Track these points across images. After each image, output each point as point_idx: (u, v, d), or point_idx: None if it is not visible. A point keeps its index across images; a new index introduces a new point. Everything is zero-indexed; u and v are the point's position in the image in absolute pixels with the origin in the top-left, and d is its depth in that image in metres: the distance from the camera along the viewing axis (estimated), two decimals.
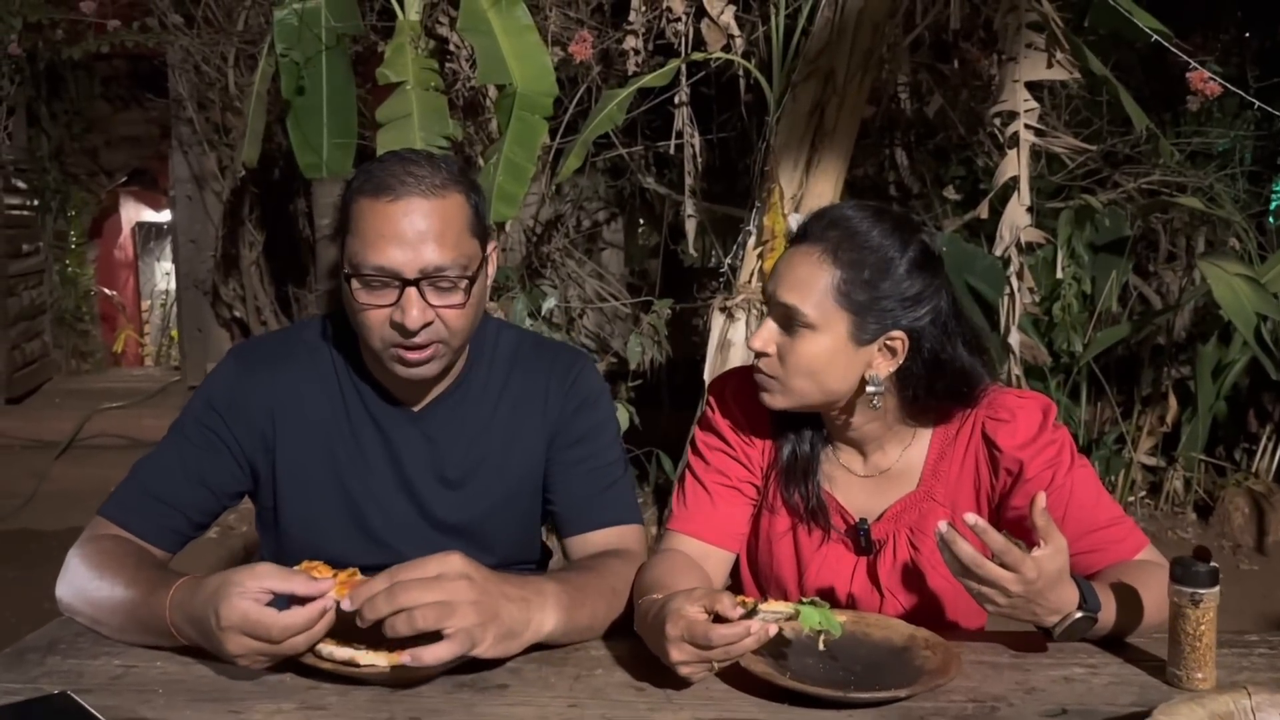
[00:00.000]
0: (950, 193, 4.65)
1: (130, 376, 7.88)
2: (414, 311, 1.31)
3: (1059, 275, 4.45)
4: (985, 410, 1.38)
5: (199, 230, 6.35)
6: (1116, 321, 4.90)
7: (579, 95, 4.38)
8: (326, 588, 1.13)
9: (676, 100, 4.28)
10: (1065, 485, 1.35)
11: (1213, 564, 1.12)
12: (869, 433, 1.40)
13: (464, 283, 1.35)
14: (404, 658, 1.08)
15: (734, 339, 3.89)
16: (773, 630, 1.09)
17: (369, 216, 1.33)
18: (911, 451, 1.42)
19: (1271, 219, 5.57)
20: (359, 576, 1.20)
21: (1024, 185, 3.76)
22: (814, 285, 1.29)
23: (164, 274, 11.28)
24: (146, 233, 12.02)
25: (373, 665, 1.10)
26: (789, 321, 1.32)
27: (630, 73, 4.07)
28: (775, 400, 1.37)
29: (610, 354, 5.05)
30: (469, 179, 1.42)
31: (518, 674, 1.18)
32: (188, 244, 6.46)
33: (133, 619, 1.25)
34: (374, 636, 1.21)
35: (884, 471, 1.43)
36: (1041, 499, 1.15)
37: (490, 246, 1.47)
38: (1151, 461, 4.77)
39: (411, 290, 1.32)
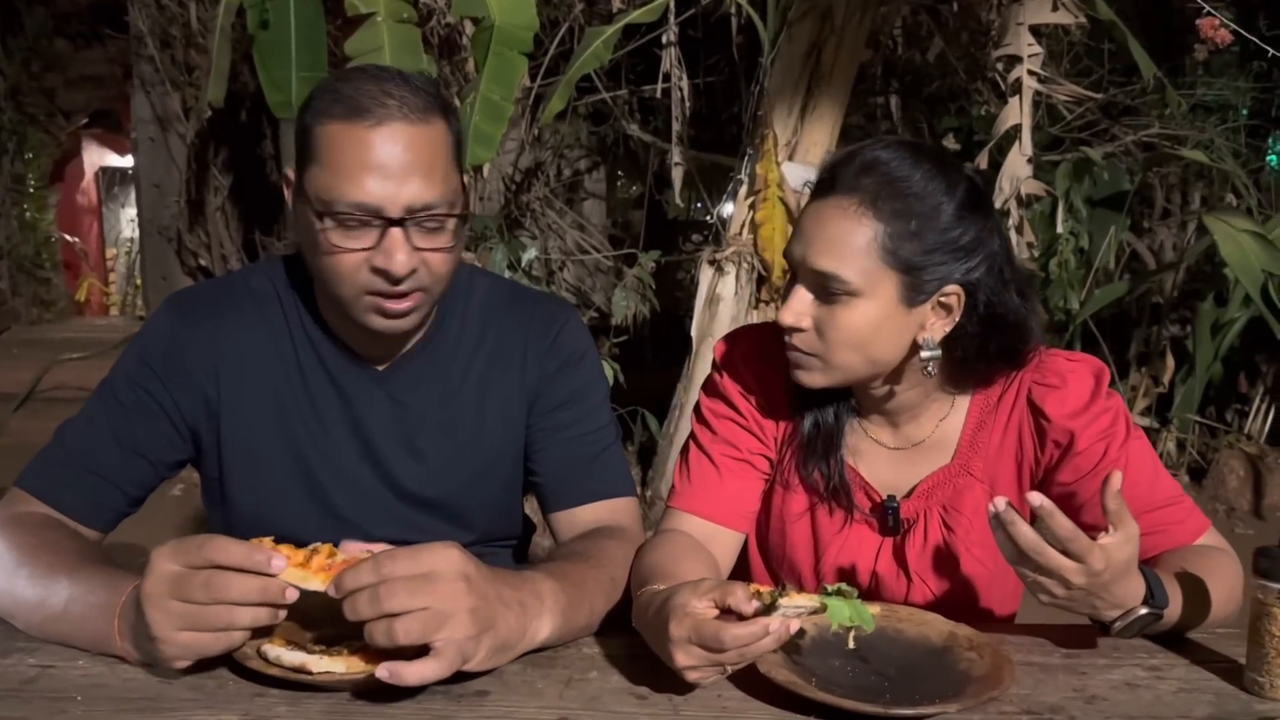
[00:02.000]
0: (950, 142, 4.48)
1: (94, 326, 7.65)
2: (400, 256, 1.12)
3: (1059, 230, 4.30)
4: (1032, 374, 1.22)
5: (163, 174, 6.11)
6: (1111, 278, 4.78)
7: (560, 35, 4.17)
8: (279, 566, 0.95)
9: (664, 40, 4.07)
10: (1119, 459, 1.19)
11: None
12: (906, 401, 1.24)
13: (452, 222, 1.17)
14: (380, 672, 0.90)
15: (723, 293, 3.72)
16: (794, 627, 0.93)
17: (343, 144, 1.12)
18: (949, 421, 1.26)
19: (1275, 160, 5.43)
20: (324, 556, 1.02)
21: (1026, 134, 3.61)
22: (853, 244, 1.11)
23: (129, 220, 10.97)
24: (110, 177, 11.68)
25: (328, 673, 0.94)
26: (825, 289, 1.13)
27: (615, 9, 3.86)
28: (814, 378, 1.19)
29: (592, 308, 4.88)
30: (447, 101, 1.24)
31: (499, 678, 1.01)
32: (151, 188, 6.21)
33: (67, 623, 1.07)
34: (333, 633, 1.05)
35: (917, 444, 1.27)
36: (1117, 479, 0.99)
37: (465, 178, 1.29)
38: (1145, 423, 4.67)
39: (396, 231, 1.13)
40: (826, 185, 1.15)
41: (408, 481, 1.33)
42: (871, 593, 1.30)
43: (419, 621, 0.91)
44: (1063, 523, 0.97)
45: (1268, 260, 3.71)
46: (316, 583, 0.97)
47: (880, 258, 1.11)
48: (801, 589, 1.07)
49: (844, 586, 0.98)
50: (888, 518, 1.27)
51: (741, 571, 1.39)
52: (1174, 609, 1.08)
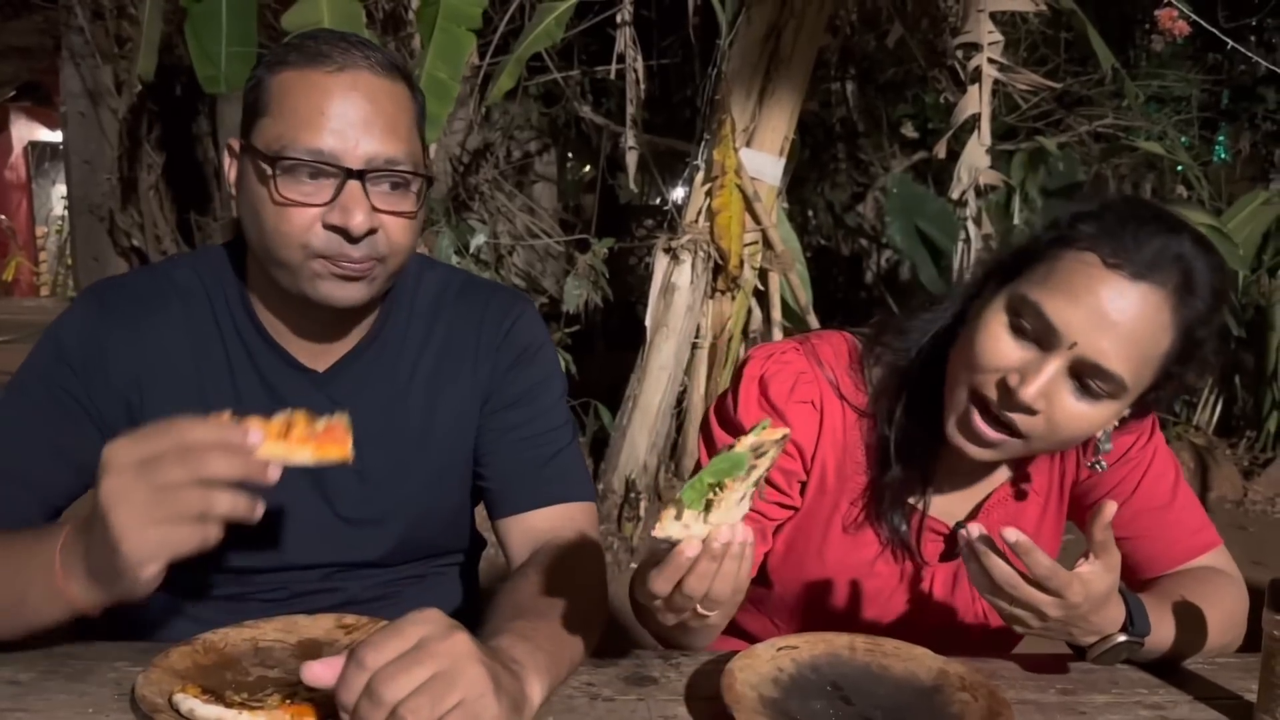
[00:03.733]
0: (909, 130, 4.43)
1: (22, 308, 7.37)
2: (358, 213, 1.02)
3: (1014, 221, 4.28)
4: None
5: (94, 151, 5.85)
6: None
7: (510, 12, 4.03)
8: (256, 439, 0.83)
9: (618, 20, 3.95)
10: (1142, 459, 1.16)
11: None
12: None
13: (416, 185, 1.07)
14: None
15: (679, 282, 3.63)
16: (692, 549, 0.80)
17: (300, 89, 1.03)
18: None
19: (1221, 153, 5.48)
20: (302, 425, 0.89)
21: (985, 123, 3.56)
22: (1155, 353, 0.97)
23: (60, 198, 10.60)
24: (40, 153, 11.27)
25: None
26: (1090, 382, 0.98)
27: None
28: (996, 456, 1.04)
29: (543, 295, 4.76)
30: (409, 72, 1.14)
31: None
32: (81, 165, 5.95)
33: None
34: (259, 678, 0.94)
35: (980, 470, 1.18)
36: (1109, 510, 0.91)
37: (427, 160, 1.19)
38: None
39: (354, 184, 1.03)
40: (1124, 258, 0.95)
41: (349, 496, 1.21)
42: (924, 618, 1.20)
43: (427, 695, 0.76)
44: (1040, 560, 0.89)
45: (1224, 255, 3.71)
46: (305, 454, 0.87)
47: (1157, 366, 0.99)
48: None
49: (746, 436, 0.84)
50: (955, 546, 1.17)
51: None
52: (1162, 636, 1.02)
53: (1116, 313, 0.95)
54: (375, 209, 1.04)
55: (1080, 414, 0.99)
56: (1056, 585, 0.91)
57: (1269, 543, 4.01)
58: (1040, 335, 0.98)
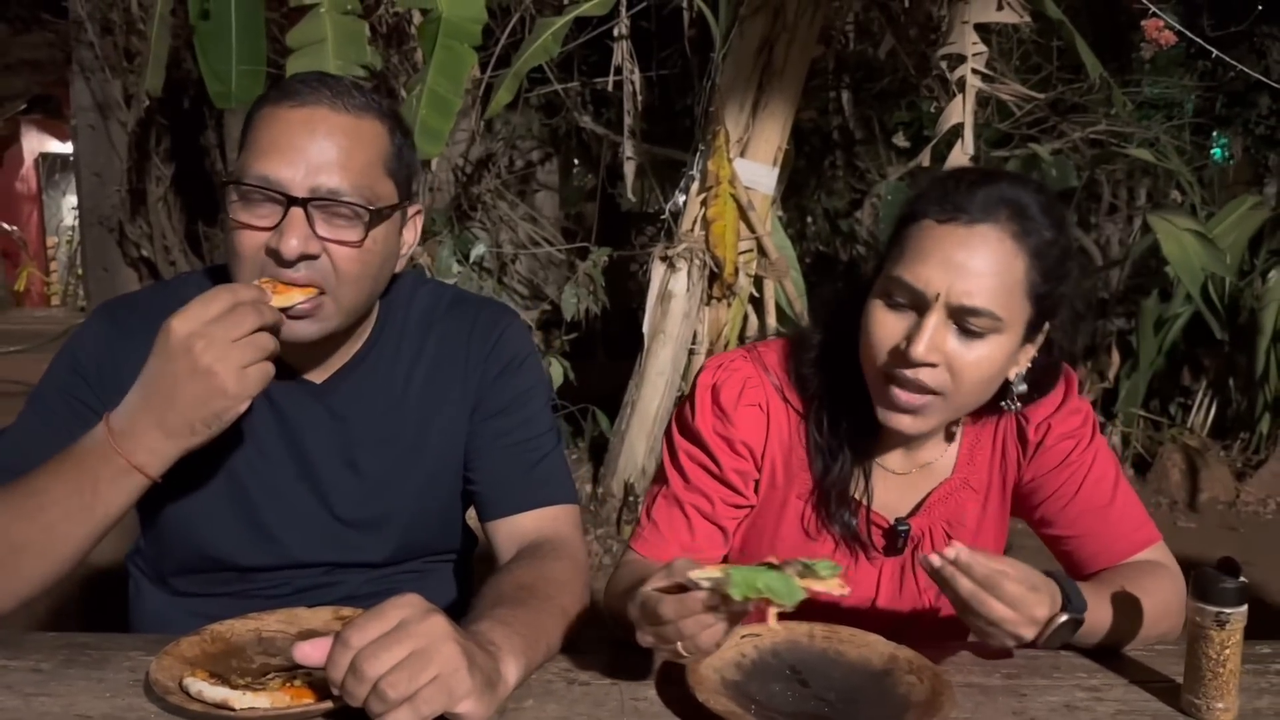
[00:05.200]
0: (900, 139, 4.49)
1: (33, 318, 7.46)
2: (293, 238, 1.08)
3: None
4: None
5: (103, 163, 5.94)
6: None
7: (511, 25, 4.11)
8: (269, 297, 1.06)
9: (616, 33, 4.03)
10: (1083, 461, 1.22)
11: (1241, 579, 0.97)
12: (935, 431, 1.23)
13: (366, 216, 1.12)
14: None
15: (675, 290, 3.71)
16: (697, 598, 0.88)
17: (266, 123, 1.12)
18: (954, 441, 1.28)
19: (1219, 154, 5.52)
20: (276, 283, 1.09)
21: (968, 133, 3.61)
22: (1010, 280, 1.07)
23: (70, 209, 10.70)
24: (51, 165, 11.38)
25: (252, 709, 0.91)
26: (968, 325, 1.08)
27: (566, 0, 3.81)
28: (928, 423, 1.13)
29: (545, 301, 4.83)
30: (399, 117, 1.21)
31: None
32: (91, 177, 6.04)
33: (46, 495, 1.05)
34: (263, 664, 1.02)
35: (923, 466, 1.27)
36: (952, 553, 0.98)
37: (413, 209, 1.25)
38: None
39: (296, 211, 1.08)
40: (960, 211, 1.08)
41: (346, 499, 1.29)
42: (882, 613, 1.26)
43: (405, 671, 0.84)
44: (981, 566, 0.96)
45: (1208, 259, 3.77)
46: (287, 300, 1.08)
47: (1024, 292, 1.08)
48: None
49: (818, 563, 0.93)
50: (897, 540, 1.25)
51: None
52: (1100, 618, 1.08)
53: (964, 257, 1.06)
54: (320, 236, 1.11)
55: (975, 355, 1.09)
56: (1006, 595, 0.97)
57: (1260, 543, 4.06)
58: (912, 302, 1.09)
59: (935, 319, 1.07)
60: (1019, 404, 1.18)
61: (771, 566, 0.89)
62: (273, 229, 1.10)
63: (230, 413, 1.03)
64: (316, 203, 1.10)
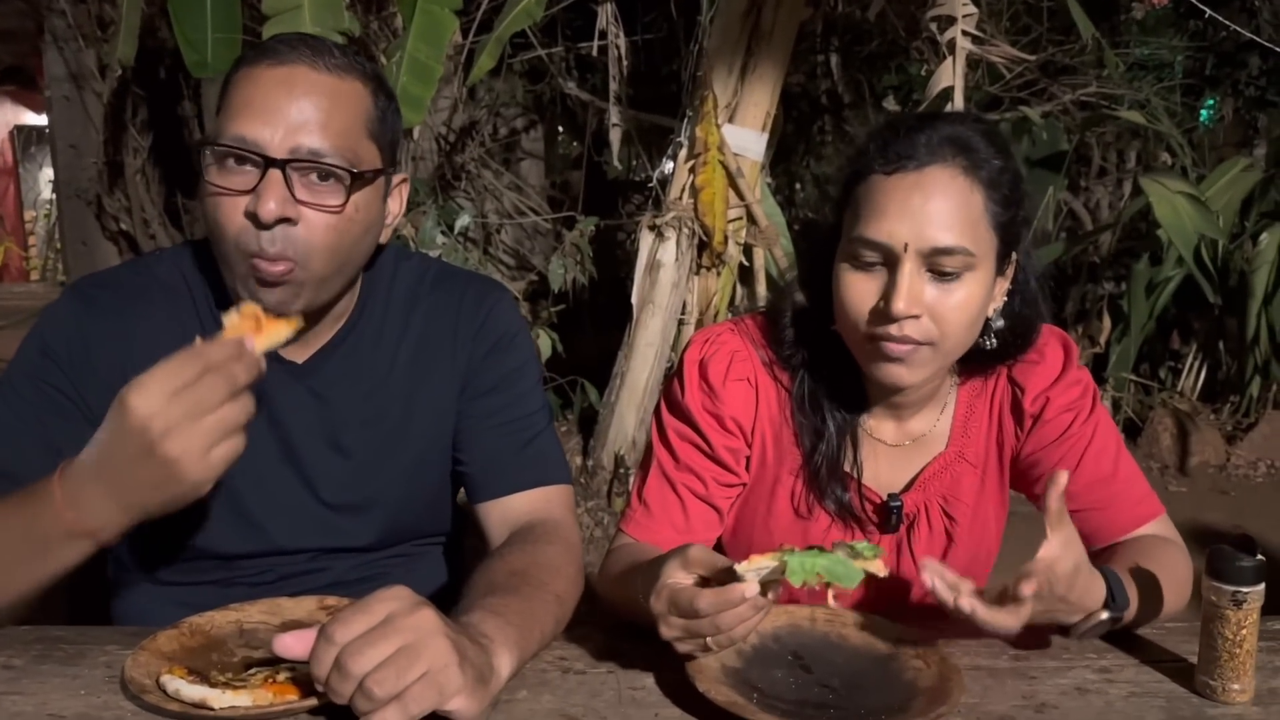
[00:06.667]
0: (890, 103, 4.43)
1: (11, 293, 7.36)
2: (270, 200, 1.03)
3: None
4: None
5: (79, 135, 5.81)
6: (1049, 238, 4.80)
7: None
8: (251, 345, 0.94)
9: None
10: (1083, 434, 1.19)
11: (1259, 556, 0.94)
12: (925, 393, 1.20)
13: (347, 179, 1.07)
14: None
15: (664, 259, 3.65)
16: (751, 590, 0.85)
17: (243, 83, 1.07)
18: (946, 410, 1.24)
19: (1205, 117, 5.49)
20: (260, 314, 1.01)
21: (958, 96, 3.56)
22: (971, 213, 1.05)
23: (47, 182, 10.54)
24: (27, 137, 11.20)
25: (232, 708, 0.87)
26: (942, 267, 1.05)
27: None
28: (919, 374, 1.10)
29: (532, 272, 4.77)
30: (382, 80, 1.16)
31: None
32: (67, 149, 5.92)
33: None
34: (244, 659, 0.98)
35: (916, 438, 1.23)
36: (1062, 479, 0.95)
37: (398, 178, 1.20)
38: None
39: (274, 173, 1.04)
40: (906, 159, 1.06)
41: (330, 483, 1.25)
42: (874, 595, 1.22)
43: (392, 667, 0.80)
44: (967, 598, 0.92)
45: (1201, 222, 3.73)
46: (279, 333, 1.00)
47: (988, 224, 1.07)
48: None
49: (859, 544, 0.91)
50: (890, 517, 1.22)
51: None
52: (1133, 607, 1.05)
53: (921, 201, 1.04)
54: (299, 200, 1.05)
55: (955, 299, 1.06)
56: (1014, 605, 0.93)
57: (1250, 507, 4.07)
58: (883, 258, 1.06)
59: (909, 269, 1.04)
60: (995, 341, 1.15)
61: (821, 551, 0.88)
62: (249, 192, 1.04)
63: (191, 497, 0.93)
64: (296, 164, 1.05)
